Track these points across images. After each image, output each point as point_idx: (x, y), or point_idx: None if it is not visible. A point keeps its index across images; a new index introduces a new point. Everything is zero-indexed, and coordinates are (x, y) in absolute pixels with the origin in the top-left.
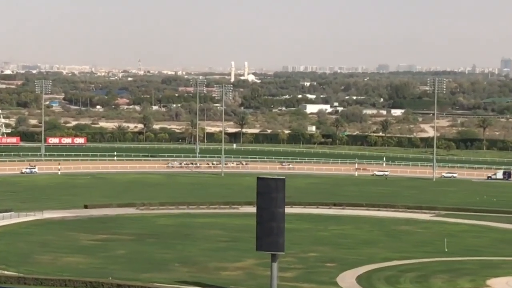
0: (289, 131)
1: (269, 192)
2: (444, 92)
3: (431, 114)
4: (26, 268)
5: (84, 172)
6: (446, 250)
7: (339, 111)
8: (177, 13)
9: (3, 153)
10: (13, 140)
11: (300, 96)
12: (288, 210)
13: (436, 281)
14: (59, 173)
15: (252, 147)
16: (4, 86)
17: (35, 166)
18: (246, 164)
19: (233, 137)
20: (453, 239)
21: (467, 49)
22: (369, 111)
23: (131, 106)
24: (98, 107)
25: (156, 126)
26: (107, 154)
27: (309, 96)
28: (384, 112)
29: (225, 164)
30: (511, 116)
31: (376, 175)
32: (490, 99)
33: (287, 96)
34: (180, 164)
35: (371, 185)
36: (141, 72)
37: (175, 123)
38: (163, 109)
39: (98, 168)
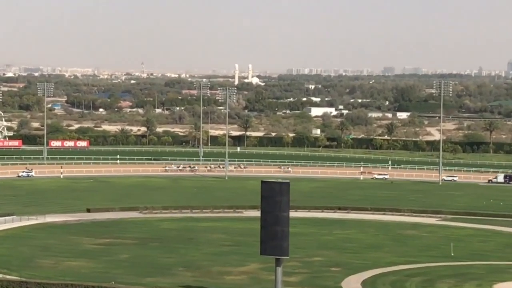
0: (294, 134)
1: (274, 196)
2: (450, 95)
3: (437, 117)
4: (28, 273)
5: (87, 175)
6: (452, 254)
7: (344, 114)
8: (181, 15)
9: (5, 157)
10: (15, 143)
11: (304, 99)
12: (293, 214)
13: (442, 286)
14: (62, 177)
15: (256, 150)
16: (6, 89)
17: (32, 169)
18: (244, 167)
19: (237, 140)
20: (459, 243)
21: (473, 52)
22: (374, 114)
23: (134, 109)
24: (100, 110)
25: (160, 129)
26: (110, 157)
27: (314, 99)
28: (389, 115)
29: (223, 167)
30: None
31: (376, 178)
32: (497, 102)
33: (291, 99)
34: (178, 167)
35: (376, 189)
36: (144, 75)
37: (179, 126)
38: (167, 112)
39: (101, 171)
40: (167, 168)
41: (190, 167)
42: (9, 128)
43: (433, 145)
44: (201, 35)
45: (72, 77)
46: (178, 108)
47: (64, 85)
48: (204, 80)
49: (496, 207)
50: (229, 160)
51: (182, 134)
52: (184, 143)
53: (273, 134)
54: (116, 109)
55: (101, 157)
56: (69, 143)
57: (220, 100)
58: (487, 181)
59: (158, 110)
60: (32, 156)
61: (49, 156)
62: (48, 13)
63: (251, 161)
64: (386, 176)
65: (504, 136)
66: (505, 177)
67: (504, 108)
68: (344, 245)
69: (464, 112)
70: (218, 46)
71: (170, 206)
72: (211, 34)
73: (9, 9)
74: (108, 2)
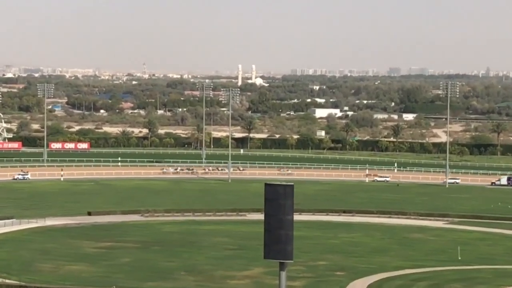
0: (298, 136)
1: (277, 199)
2: (457, 96)
3: (443, 119)
4: (27, 277)
5: (88, 178)
6: (460, 258)
7: (349, 115)
8: (183, 15)
9: (5, 159)
10: (15, 145)
11: (309, 100)
12: (297, 217)
13: None
14: (62, 179)
15: (260, 152)
16: (5, 90)
17: (27, 172)
18: (243, 169)
19: (241, 142)
20: (467, 247)
21: (481, 52)
22: (380, 116)
23: (135, 111)
24: (101, 111)
25: (161, 131)
26: (111, 159)
27: (318, 100)
28: (395, 116)
29: (222, 170)
30: None
31: (377, 180)
32: (505, 103)
33: (295, 100)
34: (176, 170)
35: (382, 192)
36: (146, 76)
37: (181, 128)
38: (169, 114)
39: (102, 174)
40: (164, 170)
41: (187, 169)
42: (8, 130)
43: (439, 147)
44: (204, 35)
45: (73, 78)
46: (180, 109)
47: (64, 86)
48: (206, 81)
49: (504, 210)
50: (232, 163)
51: (184, 136)
52: (186, 145)
53: (277, 136)
54: (117, 111)
55: (102, 159)
56: (70, 145)
57: (223, 101)
58: (490, 183)
59: (160, 112)
60: (32, 158)
61: (49, 158)
62: (49, 13)
63: (255, 163)
64: (387, 179)
65: None
66: (508, 179)
67: None
68: (349, 249)
69: (471, 114)
70: (221, 47)
71: (172, 209)
72: (214, 34)
73: (8, 9)
74: (109, 2)
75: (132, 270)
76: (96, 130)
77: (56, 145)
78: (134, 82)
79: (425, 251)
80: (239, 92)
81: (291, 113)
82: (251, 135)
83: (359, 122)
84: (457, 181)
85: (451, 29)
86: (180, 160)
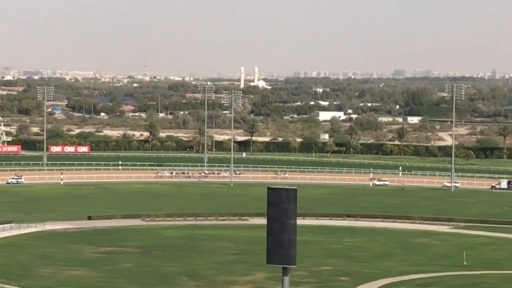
0: (301, 139)
1: (280, 203)
2: (463, 98)
3: (449, 122)
4: (27, 282)
5: (88, 182)
6: (465, 263)
7: (353, 118)
8: (185, 17)
9: (4, 162)
10: (14, 148)
11: (312, 103)
12: (300, 221)
13: None
14: (62, 183)
15: (263, 156)
16: (4, 92)
17: (21, 176)
18: (239, 173)
19: (243, 146)
20: (472, 252)
21: (487, 54)
22: (384, 119)
23: (136, 114)
24: (102, 114)
25: (163, 134)
26: (111, 163)
27: (322, 103)
28: (400, 119)
29: (218, 173)
30: None
31: (376, 184)
32: (511, 106)
33: (299, 103)
34: (171, 173)
35: (386, 196)
36: (147, 78)
37: (182, 131)
38: (170, 117)
39: (102, 177)
40: (159, 174)
41: (183, 173)
42: (7, 133)
43: (445, 151)
44: (206, 37)
45: (73, 80)
46: (182, 112)
47: (64, 88)
48: (208, 83)
49: (510, 214)
50: (235, 166)
51: (186, 139)
52: (188, 149)
53: (280, 139)
54: (118, 114)
55: (102, 163)
56: (70, 149)
57: (225, 104)
58: (490, 187)
59: (161, 115)
60: (31, 162)
61: (49, 162)
62: (49, 15)
63: (257, 167)
64: (386, 182)
65: None
66: (508, 183)
67: None
68: (353, 253)
69: (477, 117)
70: (223, 49)
71: (173, 213)
72: (216, 36)
73: (8, 10)
74: (110, 3)
75: (133, 275)
76: (97, 133)
77: (56, 149)
78: (135, 85)
79: (430, 256)
80: (241, 94)
81: (294, 116)
82: (254, 138)
83: (363, 125)
84: (457, 184)
85: (456, 31)
86: (181, 164)
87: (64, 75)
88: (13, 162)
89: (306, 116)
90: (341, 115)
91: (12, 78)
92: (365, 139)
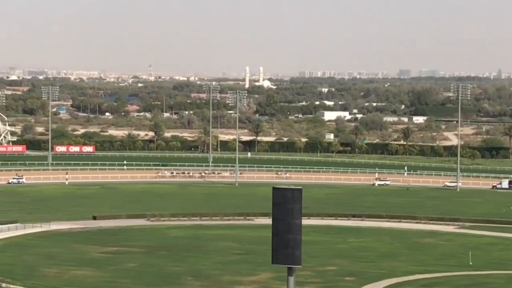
0: (306, 139)
1: (285, 203)
2: (468, 98)
3: (454, 122)
4: (32, 282)
5: (93, 181)
6: (471, 263)
7: (359, 118)
8: (190, 17)
9: (9, 162)
10: (19, 148)
11: (317, 102)
12: (305, 221)
13: None
14: (67, 183)
15: (268, 155)
16: (9, 92)
17: (22, 176)
18: (240, 173)
19: (248, 146)
20: (478, 252)
21: (492, 54)
22: (389, 119)
23: (141, 113)
24: (107, 114)
25: (168, 134)
26: (116, 163)
27: (327, 102)
28: (405, 119)
29: (219, 173)
30: None
31: (378, 184)
32: None
33: (304, 103)
34: (172, 173)
35: (391, 196)
36: (152, 78)
37: (187, 131)
38: (175, 116)
39: (107, 177)
40: (160, 174)
41: (184, 173)
42: (12, 133)
43: (450, 151)
44: (211, 37)
45: (78, 80)
46: (186, 112)
47: (69, 88)
48: (213, 83)
49: None
50: (240, 166)
51: (191, 139)
52: (193, 148)
53: (285, 139)
54: (123, 113)
55: (107, 162)
56: (75, 148)
57: (230, 104)
58: (491, 187)
59: (166, 114)
60: (36, 162)
61: (54, 162)
62: (53, 14)
63: (262, 166)
64: (387, 182)
65: None
66: (510, 183)
67: None
68: (359, 253)
69: (482, 116)
70: (228, 48)
71: (178, 213)
72: (221, 36)
73: (12, 11)
74: (115, 4)
75: (138, 275)
76: (102, 133)
77: (61, 149)
78: (140, 85)
79: (436, 256)
80: (246, 94)
81: (299, 116)
82: (259, 138)
83: (369, 125)
84: (459, 184)
85: (462, 30)
86: (186, 164)
87: (69, 75)
88: (18, 162)
89: (311, 116)
90: (346, 115)
91: (17, 78)
92: (370, 139)
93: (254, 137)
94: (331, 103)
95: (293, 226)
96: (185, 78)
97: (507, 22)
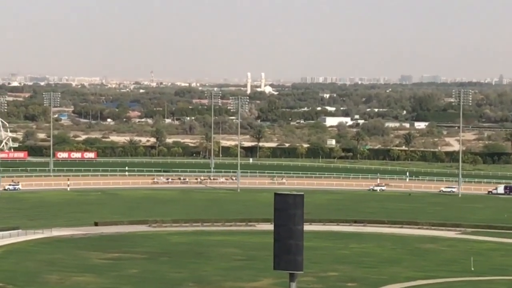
0: (308, 145)
1: (287, 209)
2: (470, 104)
3: (456, 127)
4: None
5: (95, 188)
6: (473, 269)
7: (360, 124)
8: (191, 23)
9: (10, 168)
10: (21, 154)
11: (319, 108)
12: (307, 227)
13: None
14: (68, 189)
15: (269, 161)
16: (11, 98)
17: (18, 182)
18: (235, 179)
19: (250, 151)
20: (480, 257)
21: (494, 59)
22: (391, 124)
23: (143, 119)
24: (108, 120)
25: (169, 140)
26: (118, 169)
27: (329, 108)
28: (407, 125)
29: (214, 179)
30: None
31: (373, 190)
32: None
33: (305, 109)
34: (167, 179)
35: (393, 201)
36: (154, 84)
37: (189, 136)
38: (177, 122)
39: (109, 183)
40: (155, 180)
41: (179, 178)
42: (14, 139)
43: (452, 156)
44: (212, 42)
45: (79, 86)
46: (188, 118)
47: (71, 94)
48: (215, 89)
49: None
50: (241, 172)
51: (192, 145)
52: (194, 154)
53: (287, 144)
54: (124, 119)
55: (109, 169)
56: (76, 155)
57: (232, 110)
58: (487, 192)
59: (167, 120)
60: (38, 168)
61: (56, 168)
62: (54, 21)
63: (264, 172)
64: (383, 188)
65: None
66: (505, 188)
67: None
68: (361, 259)
69: (484, 122)
70: (229, 54)
71: (180, 219)
72: (223, 41)
73: (14, 17)
74: (116, 9)
75: (140, 281)
76: (103, 139)
77: (62, 155)
78: (141, 91)
79: (438, 262)
80: (248, 100)
81: (301, 122)
82: (261, 144)
83: (370, 130)
84: (453, 189)
85: (463, 36)
86: (188, 170)
87: (70, 81)
88: (19, 168)
89: (313, 121)
90: (348, 120)
91: (19, 84)
92: (372, 145)
93: (256, 143)
94: (332, 108)
95: (295, 232)
96: (187, 84)
97: (509, 28)
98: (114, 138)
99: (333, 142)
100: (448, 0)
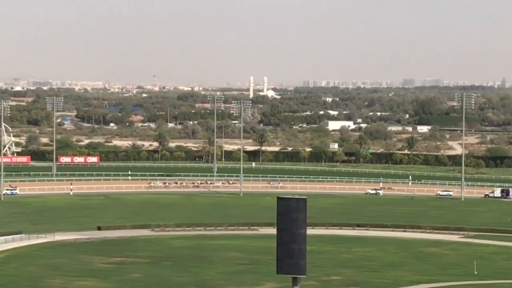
0: (311, 149)
1: (290, 213)
2: (473, 107)
3: (459, 131)
4: None
5: (97, 192)
6: (476, 273)
7: (363, 127)
8: (193, 27)
9: (13, 173)
10: (24, 159)
11: (321, 112)
12: (310, 231)
13: None
14: (71, 194)
15: (272, 165)
16: (14, 103)
17: (16, 187)
18: (232, 183)
19: (252, 155)
20: (483, 261)
21: (496, 63)
22: (394, 128)
23: (145, 124)
24: (111, 124)
25: (172, 144)
26: (121, 173)
27: (331, 112)
28: (409, 128)
29: (212, 183)
30: None
31: (369, 193)
32: None
33: (308, 113)
34: (165, 183)
35: (396, 205)
36: (156, 88)
37: (192, 141)
38: (179, 127)
39: (112, 188)
40: (151, 184)
41: (176, 182)
42: (17, 144)
43: (455, 160)
44: (215, 47)
45: (82, 90)
46: (191, 122)
47: (73, 99)
48: (218, 93)
49: None
50: (244, 176)
51: (195, 149)
52: (197, 159)
53: (289, 148)
54: (127, 124)
55: (112, 173)
56: (79, 159)
57: (234, 114)
58: (483, 195)
59: (170, 125)
60: (41, 173)
61: (59, 173)
62: (57, 25)
63: (266, 176)
64: (380, 191)
65: None
66: (502, 191)
67: None
68: (363, 263)
69: (487, 125)
70: (232, 58)
71: (183, 223)
72: (225, 46)
73: (17, 21)
74: (118, 14)
75: (142, 285)
76: (106, 144)
77: (65, 159)
78: (144, 95)
79: (441, 266)
80: (250, 104)
81: (304, 126)
82: (263, 148)
83: (373, 134)
84: (450, 193)
85: (466, 40)
86: (191, 174)
87: (73, 85)
88: (22, 173)
89: (315, 125)
90: (350, 124)
91: (22, 89)
92: (375, 149)
93: (259, 147)
94: (335, 112)
95: (297, 236)
96: (190, 88)
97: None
98: (117, 142)
99: (336, 146)
100: (450, 4)
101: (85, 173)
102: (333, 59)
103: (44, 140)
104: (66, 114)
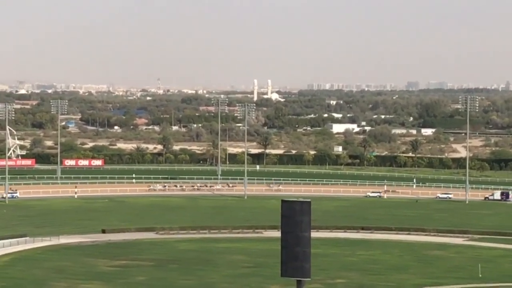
0: (315, 152)
1: (294, 216)
2: (477, 110)
3: (463, 134)
4: None
5: (102, 195)
6: (480, 276)
7: (367, 130)
8: (198, 30)
9: (18, 176)
10: (28, 162)
11: (326, 115)
12: (314, 234)
13: None
14: (76, 197)
15: (276, 168)
16: (18, 106)
17: (16, 190)
18: (232, 186)
19: (256, 158)
20: (488, 264)
21: (500, 66)
22: (398, 131)
23: (150, 127)
24: (116, 127)
25: (176, 147)
26: (125, 176)
27: (335, 115)
28: (414, 131)
29: (211, 186)
30: None
31: (370, 196)
32: None
33: (312, 115)
34: (164, 186)
35: (400, 208)
36: (161, 91)
37: (196, 144)
38: (183, 130)
39: (116, 191)
40: (151, 187)
41: (176, 186)
42: (22, 147)
43: (459, 163)
44: (219, 50)
45: (87, 94)
46: (195, 125)
47: (78, 102)
48: (222, 96)
49: None
50: (248, 179)
51: (199, 152)
52: (201, 161)
53: (294, 151)
54: (131, 127)
55: (116, 176)
56: (84, 162)
57: (238, 117)
58: (483, 198)
59: (174, 128)
60: (45, 176)
61: (63, 176)
62: (62, 28)
63: (271, 179)
64: (380, 194)
65: None
66: (501, 194)
67: None
68: (368, 266)
69: (491, 128)
70: (236, 61)
71: (187, 226)
72: (229, 49)
73: (21, 25)
74: (123, 17)
75: None
76: (110, 147)
77: (70, 162)
78: (148, 98)
79: (445, 269)
80: (254, 107)
81: (308, 129)
82: (267, 151)
83: (377, 137)
84: (450, 196)
85: (470, 42)
86: (195, 177)
87: (77, 88)
88: (27, 176)
89: (319, 128)
90: (354, 127)
91: (26, 92)
92: (379, 151)
93: (263, 150)
94: (339, 115)
95: (302, 239)
96: (194, 91)
97: None
98: (121, 145)
99: (340, 149)
100: (455, 7)
101: (90, 176)
102: (338, 62)
103: (49, 143)
104: (70, 117)
